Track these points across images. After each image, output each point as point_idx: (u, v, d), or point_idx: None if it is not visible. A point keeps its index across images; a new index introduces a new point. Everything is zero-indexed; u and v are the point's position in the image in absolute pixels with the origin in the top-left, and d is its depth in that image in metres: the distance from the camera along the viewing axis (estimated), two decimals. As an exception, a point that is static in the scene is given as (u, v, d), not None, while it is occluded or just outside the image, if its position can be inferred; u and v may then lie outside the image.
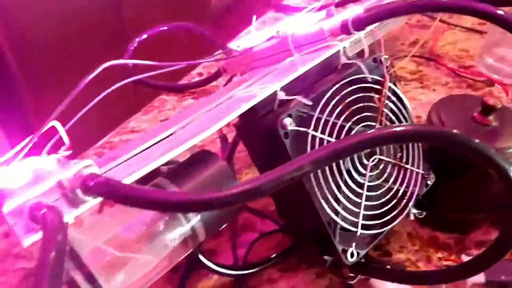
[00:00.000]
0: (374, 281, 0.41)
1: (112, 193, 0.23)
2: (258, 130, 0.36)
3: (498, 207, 0.40)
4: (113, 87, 0.44)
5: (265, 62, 0.48)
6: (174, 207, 0.23)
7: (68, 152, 0.31)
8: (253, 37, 0.52)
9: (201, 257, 0.38)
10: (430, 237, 0.46)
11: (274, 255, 0.43)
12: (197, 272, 0.43)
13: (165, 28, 0.66)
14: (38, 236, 0.25)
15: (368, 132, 0.24)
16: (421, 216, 0.43)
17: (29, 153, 0.32)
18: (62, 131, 0.35)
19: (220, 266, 0.39)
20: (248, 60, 0.51)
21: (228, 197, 0.23)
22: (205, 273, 0.43)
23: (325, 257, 0.37)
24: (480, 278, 0.42)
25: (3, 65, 1.14)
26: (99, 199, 0.26)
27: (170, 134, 0.34)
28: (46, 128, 0.35)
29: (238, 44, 0.54)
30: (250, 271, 0.41)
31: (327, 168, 0.35)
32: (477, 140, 0.24)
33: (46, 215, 0.22)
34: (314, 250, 0.40)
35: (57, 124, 0.35)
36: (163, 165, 0.32)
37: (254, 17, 0.54)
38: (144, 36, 0.64)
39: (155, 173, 0.34)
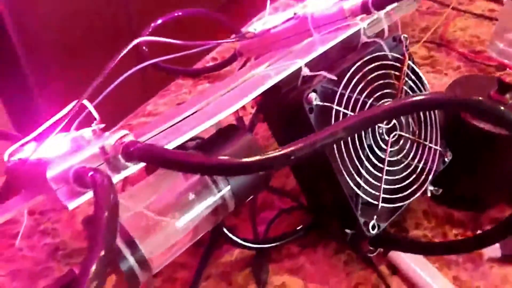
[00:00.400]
0: (392, 256, 0.42)
1: (153, 157, 0.24)
2: (282, 106, 0.37)
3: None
4: (133, 70, 0.45)
5: (283, 43, 0.49)
6: (214, 170, 0.24)
7: (102, 125, 0.32)
8: (268, 21, 0.52)
9: (225, 230, 0.39)
10: (445, 215, 0.47)
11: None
12: (219, 247, 0.44)
13: (179, 13, 0.67)
14: (82, 199, 0.26)
15: (399, 99, 0.25)
16: (437, 193, 0.43)
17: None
18: (91, 108, 0.36)
19: (242, 240, 0.40)
20: (266, 42, 0.51)
21: (265, 161, 0.24)
22: (227, 248, 0.44)
23: (346, 231, 0.38)
24: (496, 252, 0.43)
25: (11, 54, 1.15)
26: (139, 165, 0.27)
27: (196, 111, 0.35)
28: (75, 106, 0.36)
29: (254, 27, 0.54)
30: (271, 245, 0.42)
31: (350, 143, 0.36)
32: (501, 107, 0.25)
33: (97, 176, 0.23)
34: (333, 227, 0.41)
35: (86, 102, 0.36)
36: (189, 140, 0.33)
37: (268, 1, 0.55)
38: (159, 21, 0.65)
39: (181, 148, 0.35)
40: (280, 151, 0.24)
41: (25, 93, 1.25)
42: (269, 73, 0.37)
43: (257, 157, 0.23)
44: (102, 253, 0.20)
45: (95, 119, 0.34)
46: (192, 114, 0.34)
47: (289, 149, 0.24)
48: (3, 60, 1.18)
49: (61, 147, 0.30)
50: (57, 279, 0.27)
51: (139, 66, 0.50)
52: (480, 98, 0.25)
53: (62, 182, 0.26)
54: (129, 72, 0.46)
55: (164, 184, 0.30)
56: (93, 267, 0.19)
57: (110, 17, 1.37)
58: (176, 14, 0.66)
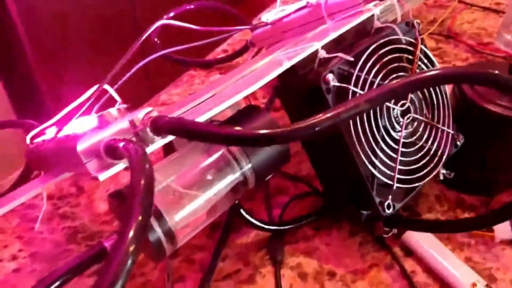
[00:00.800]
0: (406, 238, 0.43)
1: (183, 128, 0.25)
2: (298, 88, 0.37)
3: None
4: (147, 60, 0.46)
5: (296, 32, 0.49)
6: (239, 141, 0.25)
7: (127, 105, 0.33)
8: (279, 11, 0.53)
9: (243, 212, 0.39)
10: (457, 199, 0.48)
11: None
12: (235, 230, 0.45)
13: (191, 6, 0.68)
14: (112, 171, 0.27)
15: (419, 73, 0.26)
16: (450, 177, 0.44)
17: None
18: (113, 92, 0.37)
19: (259, 221, 0.41)
20: (279, 31, 0.52)
21: (291, 132, 0.24)
22: (243, 231, 0.45)
23: (362, 212, 0.39)
24: (507, 234, 0.44)
25: (18, 47, 1.16)
26: (165, 140, 0.28)
27: (213, 95, 0.35)
28: (97, 89, 0.37)
29: (266, 17, 0.55)
30: (287, 227, 0.43)
31: (366, 124, 0.37)
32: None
33: (131, 145, 0.24)
34: (348, 209, 0.42)
35: (107, 86, 0.37)
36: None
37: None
38: (171, 14, 0.66)
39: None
40: (306, 122, 0.25)
41: (30, 84, 1.26)
42: (286, 57, 0.38)
43: (284, 128, 0.24)
44: (140, 218, 0.20)
45: (113, 104, 0.35)
46: (210, 97, 0.35)
47: (314, 120, 0.25)
48: (10, 52, 1.19)
49: (88, 124, 0.31)
50: (86, 250, 0.28)
51: (152, 56, 0.51)
52: (498, 72, 0.26)
53: (92, 155, 0.27)
54: (146, 60, 0.47)
55: (187, 161, 0.31)
56: (131, 232, 0.20)
57: (115, 12, 1.38)
58: (188, 7, 0.67)
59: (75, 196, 0.48)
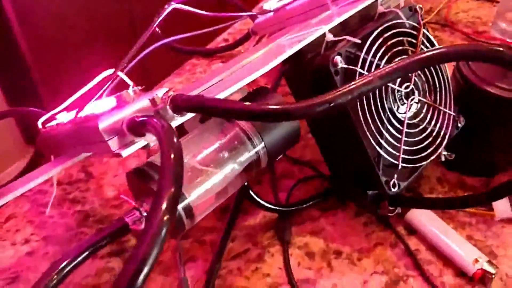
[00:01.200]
0: (409, 217, 0.44)
1: (202, 106, 0.26)
2: (306, 72, 0.38)
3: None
4: (149, 49, 0.47)
5: (299, 19, 0.50)
6: (259, 116, 0.26)
7: (142, 87, 0.34)
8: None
9: (252, 193, 0.40)
10: (457, 181, 0.49)
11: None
12: (243, 213, 0.46)
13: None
14: (134, 148, 0.28)
15: (431, 49, 0.27)
16: (451, 158, 0.45)
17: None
18: (125, 77, 0.38)
19: (267, 203, 0.42)
20: (281, 19, 0.53)
21: (308, 107, 0.25)
22: (251, 214, 0.46)
23: (368, 192, 0.40)
24: (507, 213, 0.45)
25: (14, 45, 1.16)
26: (185, 117, 0.29)
27: (221, 80, 0.36)
28: (112, 74, 0.38)
29: (269, 5, 0.56)
30: (294, 208, 0.44)
31: (372, 106, 0.38)
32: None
33: (157, 121, 0.24)
34: (354, 189, 0.43)
35: (120, 73, 0.38)
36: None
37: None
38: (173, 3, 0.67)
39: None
40: (322, 97, 0.26)
41: (25, 79, 1.26)
42: (292, 41, 0.39)
43: (302, 103, 0.25)
44: (172, 190, 0.21)
45: (121, 90, 0.36)
46: (220, 80, 0.36)
47: (330, 96, 0.26)
48: (5, 50, 1.18)
49: (106, 105, 0.31)
50: (108, 225, 0.29)
51: (155, 44, 0.52)
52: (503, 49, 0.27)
53: (113, 133, 0.28)
54: (151, 48, 0.48)
55: (201, 141, 0.32)
56: (164, 203, 0.21)
57: (114, 17, 1.38)
58: (188, -4, 0.67)
59: (84, 181, 0.49)
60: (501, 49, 0.27)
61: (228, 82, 0.35)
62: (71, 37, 1.28)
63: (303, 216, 0.46)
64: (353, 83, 0.26)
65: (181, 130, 0.37)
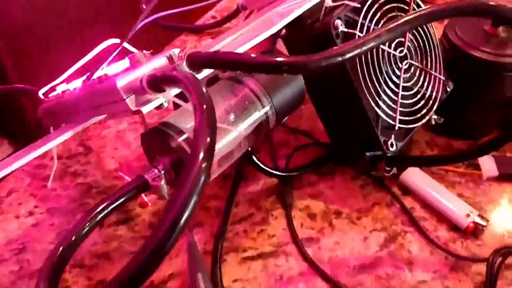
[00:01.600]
0: (403, 178, 0.46)
1: (220, 60, 0.27)
2: (307, 36, 0.40)
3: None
4: (140, 24, 0.47)
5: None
6: (275, 68, 0.27)
7: (151, 50, 0.34)
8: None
9: (254, 158, 0.42)
10: (446, 144, 0.52)
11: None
12: (244, 180, 0.47)
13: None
14: (153, 105, 0.28)
15: (432, 6, 0.28)
16: (440, 122, 0.48)
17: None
18: (131, 47, 0.38)
19: (270, 168, 0.43)
20: (273, -9, 0.54)
21: (322, 59, 0.27)
22: (252, 180, 0.47)
23: (366, 153, 0.42)
24: (493, 172, 0.48)
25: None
26: (201, 74, 0.29)
27: (228, 43, 0.37)
28: (119, 44, 0.38)
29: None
30: (296, 173, 0.46)
31: (371, 68, 0.39)
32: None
33: (181, 73, 0.25)
34: (353, 151, 0.44)
35: (126, 44, 0.38)
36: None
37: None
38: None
39: (215, 79, 0.38)
40: (335, 50, 0.27)
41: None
42: (292, 7, 0.40)
43: (316, 56, 0.27)
44: (208, 139, 0.22)
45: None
46: (227, 43, 0.36)
47: (342, 49, 0.27)
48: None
49: (118, 67, 0.32)
50: (127, 183, 0.30)
51: (145, 20, 0.52)
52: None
53: (130, 91, 0.28)
54: (139, 25, 0.48)
55: (215, 100, 0.33)
56: (202, 152, 0.21)
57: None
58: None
59: (83, 155, 0.49)
60: (493, 3, 0.29)
61: (236, 43, 0.35)
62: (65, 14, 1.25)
63: (302, 181, 0.47)
64: (363, 37, 0.28)
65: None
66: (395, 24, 0.28)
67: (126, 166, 0.48)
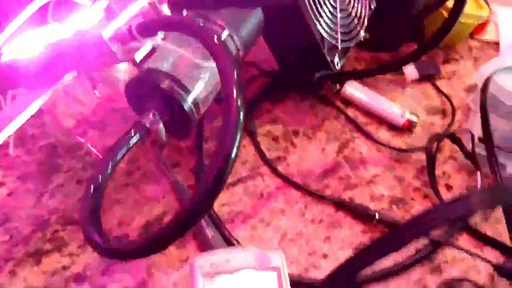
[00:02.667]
0: (345, 92, 0.52)
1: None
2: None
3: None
4: None
5: None
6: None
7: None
8: None
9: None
10: (372, 58, 0.58)
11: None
12: (207, 119, 0.49)
13: None
14: (144, 51, 0.29)
15: None
16: (366, 37, 0.53)
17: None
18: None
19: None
20: None
21: None
22: (215, 116, 0.50)
23: (315, 73, 0.47)
24: (415, 75, 0.56)
25: None
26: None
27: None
28: None
29: None
30: (253, 100, 0.50)
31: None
32: None
33: (187, 17, 0.26)
34: (302, 74, 0.49)
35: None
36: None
37: None
38: None
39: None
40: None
41: None
42: None
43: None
44: (235, 76, 0.24)
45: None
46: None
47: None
48: None
49: (90, 20, 0.32)
50: (127, 130, 0.31)
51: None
52: None
53: (117, 42, 0.29)
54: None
55: (189, 41, 0.34)
56: (235, 90, 0.23)
57: None
58: None
59: (35, 117, 0.47)
60: None
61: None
62: None
63: (261, 110, 0.51)
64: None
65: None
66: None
67: (84, 122, 0.48)
